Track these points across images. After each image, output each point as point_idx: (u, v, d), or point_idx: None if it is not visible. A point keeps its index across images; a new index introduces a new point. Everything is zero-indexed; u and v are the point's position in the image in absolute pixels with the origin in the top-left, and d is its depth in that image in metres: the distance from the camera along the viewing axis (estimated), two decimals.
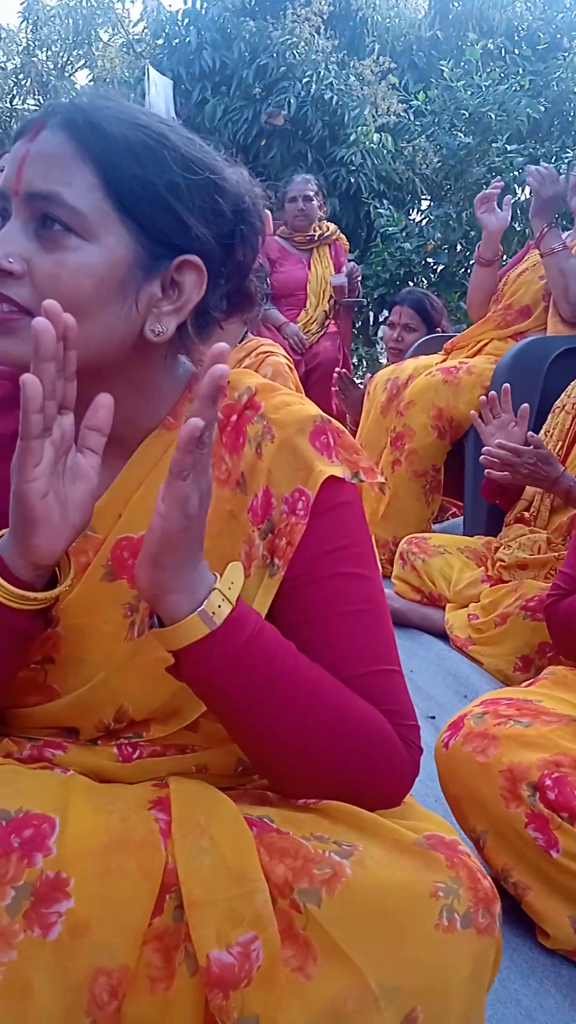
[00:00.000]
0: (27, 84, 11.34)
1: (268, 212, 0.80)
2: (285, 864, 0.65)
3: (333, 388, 3.29)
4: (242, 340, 2.61)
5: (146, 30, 8.53)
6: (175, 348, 0.76)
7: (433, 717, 1.75)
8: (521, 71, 6.69)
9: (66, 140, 0.69)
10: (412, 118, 6.78)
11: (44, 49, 11.11)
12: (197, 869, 0.63)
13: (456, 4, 7.77)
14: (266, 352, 2.59)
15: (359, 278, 4.43)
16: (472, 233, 6.09)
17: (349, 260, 4.48)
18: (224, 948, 0.61)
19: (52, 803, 0.66)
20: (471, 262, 4.11)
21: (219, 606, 0.67)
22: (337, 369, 3.38)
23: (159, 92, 5.09)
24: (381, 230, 6.36)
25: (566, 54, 7.01)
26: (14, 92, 11.43)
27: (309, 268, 4.35)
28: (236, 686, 0.69)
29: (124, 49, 9.69)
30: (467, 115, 6.13)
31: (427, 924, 0.65)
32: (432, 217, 6.48)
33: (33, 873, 0.61)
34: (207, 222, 0.73)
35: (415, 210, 7.35)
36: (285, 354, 2.70)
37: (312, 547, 0.75)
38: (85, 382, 0.74)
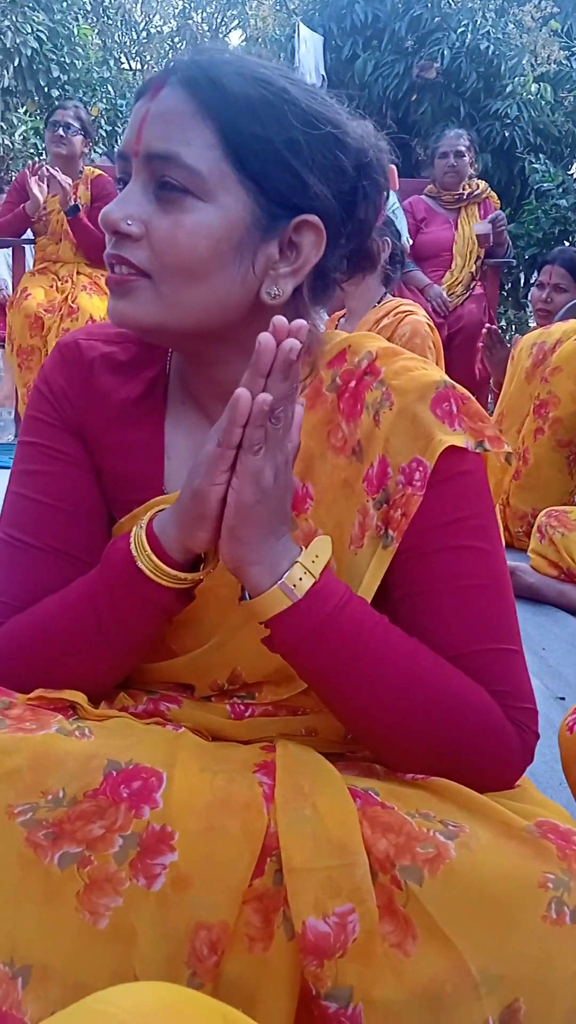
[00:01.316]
0: (181, 46, 11.47)
1: (393, 167, 0.77)
2: (388, 839, 0.64)
3: (480, 344, 3.20)
4: (381, 300, 2.57)
5: None
6: (291, 311, 0.75)
7: (563, 698, 1.69)
8: None
9: (186, 98, 0.68)
10: (574, 66, 6.39)
11: (199, 11, 11.20)
12: (298, 835, 0.63)
13: None
14: (405, 312, 2.54)
15: (505, 227, 4.24)
16: None
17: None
18: (320, 916, 0.61)
19: (161, 758, 0.67)
20: None
21: (300, 579, 0.67)
22: (487, 325, 3.27)
23: (309, 49, 5.02)
24: (536, 186, 6.05)
25: None
26: (169, 55, 11.59)
27: (456, 228, 4.22)
28: (322, 658, 0.69)
29: (277, 7, 9.61)
30: None
31: (534, 915, 0.62)
32: None
33: (140, 824, 0.63)
34: (327, 180, 0.71)
35: (574, 164, 6.96)
36: (426, 315, 2.63)
37: (428, 519, 0.72)
38: (201, 344, 0.74)
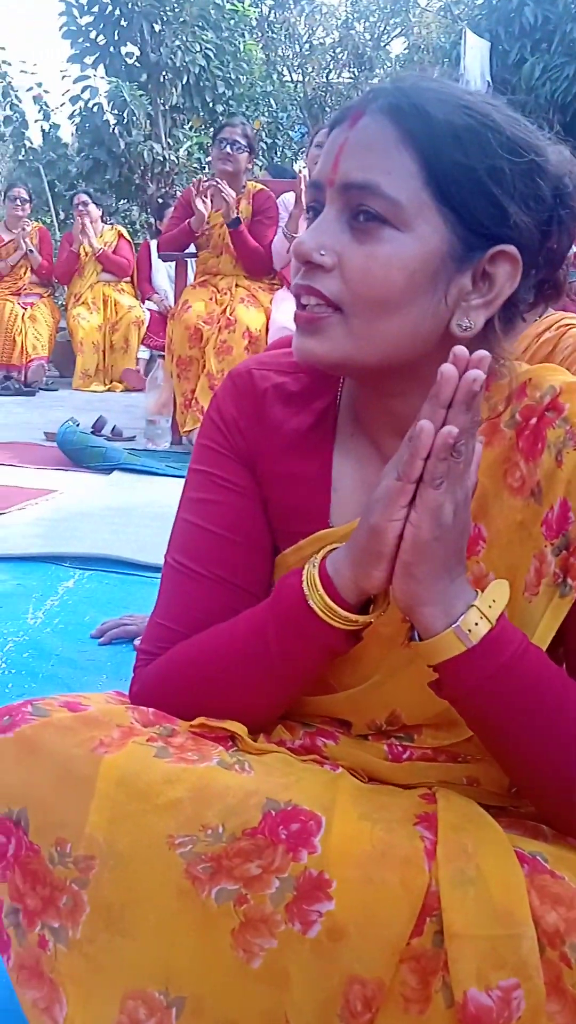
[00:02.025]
0: (343, 57, 11.56)
1: None
2: (558, 912, 0.60)
3: None
4: (542, 313, 2.47)
5: None
6: (480, 344, 0.72)
7: None
8: None
9: (387, 126, 0.66)
10: None
11: (362, 21, 11.24)
12: (460, 899, 0.61)
13: None
14: (568, 325, 2.43)
15: None
16: None
17: None
18: (483, 989, 0.58)
19: (320, 801, 0.66)
20: None
21: (476, 624, 0.64)
22: None
23: (475, 55, 4.94)
24: None
25: None
26: (330, 67, 11.71)
27: None
28: (492, 708, 0.66)
29: (441, 13, 9.51)
30: None
31: None
32: None
33: (297, 868, 0.62)
34: (527, 208, 0.67)
35: None
36: None
37: None
38: (387, 379, 0.72)
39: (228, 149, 3.85)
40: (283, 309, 3.78)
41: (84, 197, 6.22)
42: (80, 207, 6.16)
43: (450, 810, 0.68)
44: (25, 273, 6.26)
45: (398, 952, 0.60)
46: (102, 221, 6.37)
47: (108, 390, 6.14)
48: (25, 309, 6.14)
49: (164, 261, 5.03)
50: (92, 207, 6.20)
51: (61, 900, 0.65)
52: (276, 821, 0.64)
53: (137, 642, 1.66)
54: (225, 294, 3.93)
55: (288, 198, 4.06)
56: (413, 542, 0.63)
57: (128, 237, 6.53)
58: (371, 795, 0.71)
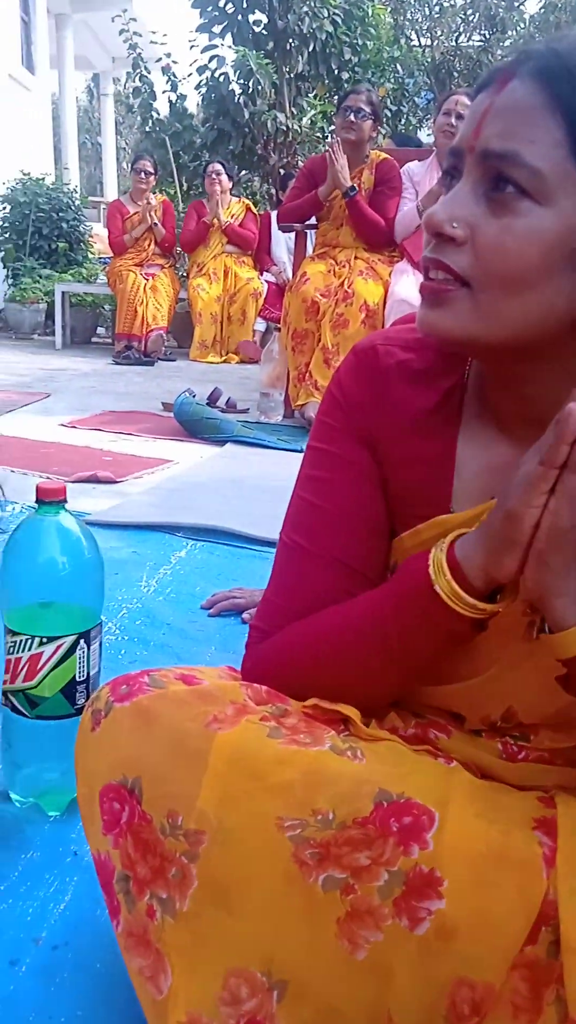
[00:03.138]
0: (474, 19, 11.16)
1: None
2: None
3: None
4: None
5: None
6: None
7: None
8: None
9: (536, 91, 0.61)
10: None
11: None
12: None
13: None
14: None
15: None
16: None
17: None
18: None
19: (433, 795, 0.64)
20: None
21: None
22: None
23: None
24: None
25: None
26: (460, 30, 11.34)
27: None
28: None
29: None
30: None
31: None
32: None
33: (408, 862, 0.61)
34: None
35: None
36: None
37: None
38: (515, 360, 0.69)
39: (352, 117, 3.78)
40: (403, 283, 3.71)
41: (218, 166, 6.26)
42: (213, 175, 6.20)
43: (570, 816, 0.65)
44: (149, 245, 6.38)
45: (510, 958, 0.58)
46: (230, 193, 6.40)
47: (224, 361, 6.21)
48: (147, 280, 6.25)
49: (284, 232, 5.01)
50: (224, 177, 6.23)
51: (170, 871, 0.65)
52: (388, 812, 0.62)
53: (246, 616, 1.68)
54: (344, 266, 3.88)
55: (413, 168, 3.96)
56: (550, 530, 0.61)
57: (254, 210, 6.55)
58: (487, 793, 0.69)
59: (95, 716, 0.72)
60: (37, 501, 1.01)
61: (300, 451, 3.15)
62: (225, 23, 7.35)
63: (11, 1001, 0.78)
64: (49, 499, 1.00)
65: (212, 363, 6.14)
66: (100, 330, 7.60)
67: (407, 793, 0.64)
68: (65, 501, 1.02)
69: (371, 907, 0.61)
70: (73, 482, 2.66)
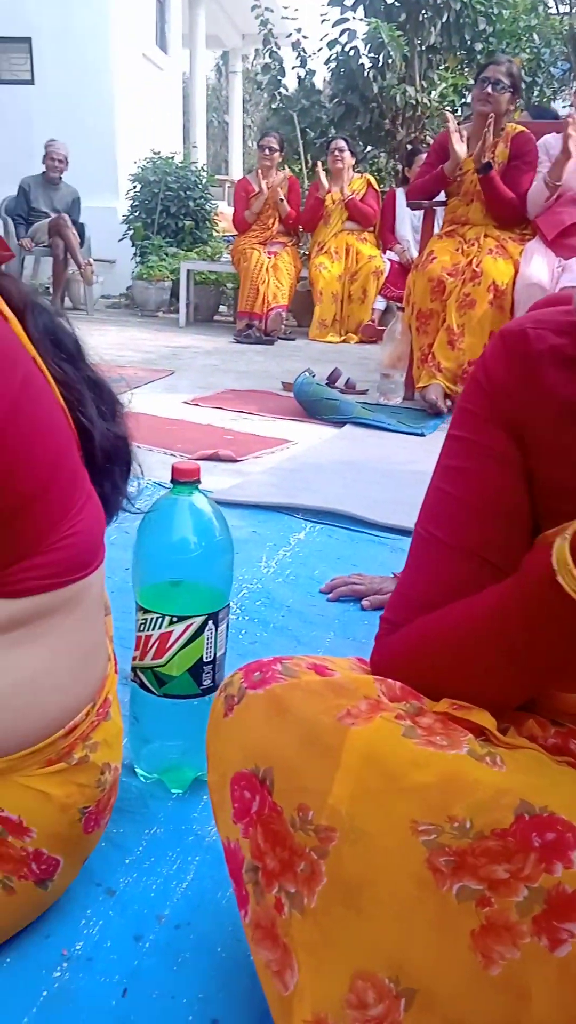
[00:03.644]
0: None
1: None
2: None
3: None
4: None
5: None
6: None
7: None
8: None
9: None
10: None
11: None
12: None
13: None
14: None
15: None
16: None
17: None
18: None
19: None
20: None
21: None
22: None
23: None
24: None
25: None
26: None
27: None
28: None
29: None
30: None
31: None
32: None
33: (550, 880, 0.57)
34: None
35: None
36: None
37: None
38: None
39: (489, 89, 3.65)
40: (535, 264, 3.57)
41: (340, 143, 6.23)
42: (336, 152, 6.17)
43: None
44: (274, 223, 6.38)
45: None
46: (352, 169, 6.34)
47: (343, 341, 6.16)
48: (269, 258, 6.27)
49: (412, 210, 4.90)
50: (347, 154, 6.19)
51: (299, 866, 0.64)
52: (529, 826, 0.59)
53: (366, 603, 1.66)
54: (472, 245, 3.77)
55: (550, 140, 3.79)
56: None
57: (376, 186, 6.45)
58: None
59: (228, 702, 0.71)
60: (172, 480, 1.01)
61: (421, 435, 3.12)
62: None
63: (136, 976, 0.79)
64: (184, 479, 1.00)
65: (331, 343, 6.11)
66: (222, 308, 7.68)
67: (550, 807, 0.60)
68: (199, 482, 1.02)
69: (508, 923, 0.58)
70: (196, 459, 2.69)
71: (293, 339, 6.28)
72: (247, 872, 0.67)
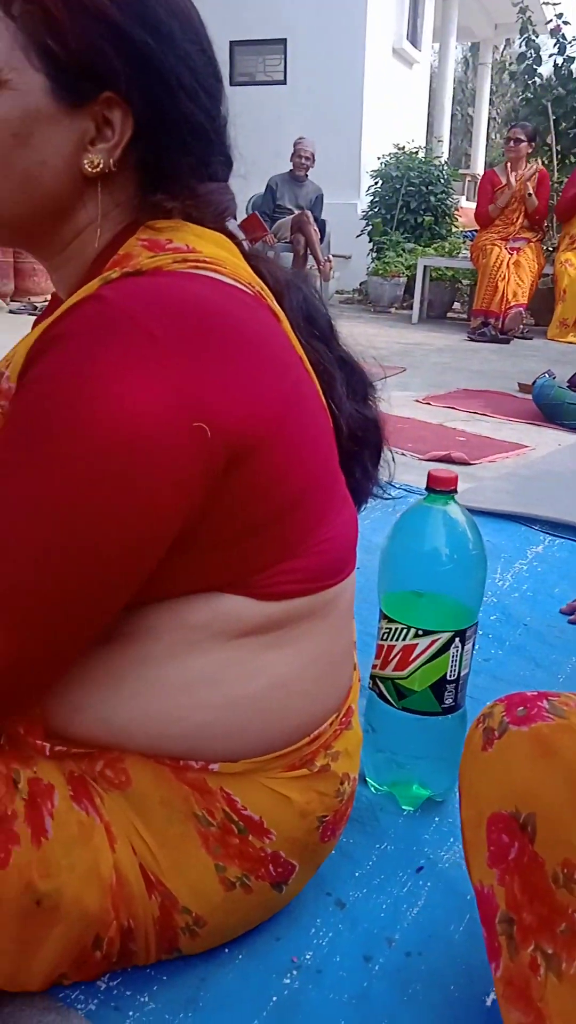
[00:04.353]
0: None
1: None
2: None
3: None
4: None
5: None
6: None
7: None
8: None
9: None
10: None
11: None
12: None
13: None
14: None
15: None
16: None
17: None
18: None
19: None
20: None
21: None
22: None
23: None
24: None
25: None
26: None
27: None
28: None
29: None
30: None
31: None
32: None
33: None
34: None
35: None
36: None
37: None
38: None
39: None
40: None
41: None
42: None
43: None
44: (518, 218, 6.15)
45: None
46: None
47: None
48: (511, 255, 6.05)
49: None
50: None
51: (559, 926, 0.59)
52: None
53: None
54: None
55: None
56: None
57: None
58: None
59: (487, 735, 0.67)
60: (428, 488, 0.98)
61: None
62: None
63: (365, 998, 0.77)
64: (441, 488, 0.96)
65: (572, 343, 5.80)
66: (456, 305, 7.53)
67: None
68: (455, 491, 0.97)
69: None
70: (427, 460, 2.64)
71: (530, 338, 6.03)
72: (500, 923, 0.62)
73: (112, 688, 0.70)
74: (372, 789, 1.05)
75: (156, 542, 0.63)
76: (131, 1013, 0.74)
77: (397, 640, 0.98)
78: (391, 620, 0.99)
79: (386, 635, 1.00)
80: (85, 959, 0.72)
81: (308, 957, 0.81)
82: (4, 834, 0.66)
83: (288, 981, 0.78)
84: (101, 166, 0.68)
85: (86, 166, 0.69)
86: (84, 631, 0.64)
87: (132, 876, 0.72)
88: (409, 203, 7.62)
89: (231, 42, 8.75)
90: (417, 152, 7.97)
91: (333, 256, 7.32)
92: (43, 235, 0.73)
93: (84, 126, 0.68)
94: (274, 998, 0.76)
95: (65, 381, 0.59)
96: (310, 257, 6.88)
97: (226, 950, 0.80)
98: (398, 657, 0.99)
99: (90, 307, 0.62)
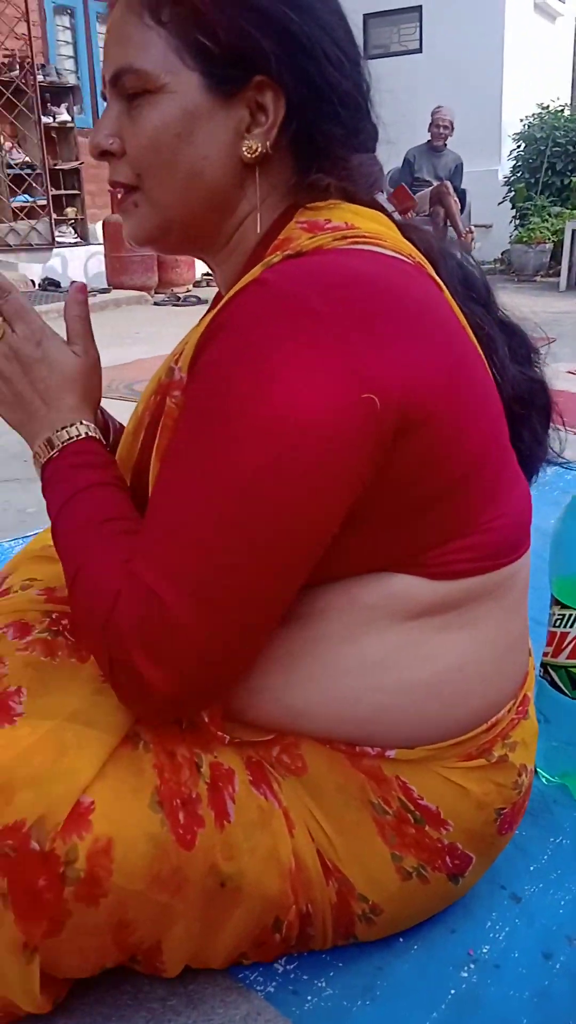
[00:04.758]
0: None
1: None
2: None
3: None
4: None
5: None
6: None
7: None
8: None
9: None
10: None
11: None
12: None
13: None
14: None
15: None
16: None
17: None
18: None
19: None
20: None
21: None
22: None
23: None
24: None
25: None
26: None
27: None
28: None
29: None
30: None
31: None
32: None
33: None
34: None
35: None
36: None
37: None
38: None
39: None
40: None
41: None
42: None
43: None
44: None
45: None
46: None
47: None
48: None
49: None
50: None
51: None
52: None
53: None
54: None
55: None
56: None
57: None
58: None
59: None
60: None
61: None
62: None
63: (545, 996, 0.74)
64: None
65: None
66: None
67: None
68: None
69: None
70: None
71: None
72: None
73: (288, 670, 0.70)
74: (543, 780, 1.01)
75: (332, 515, 0.62)
76: (309, 998, 0.74)
77: (572, 627, 0.94)
78: (565, 606, 0.95)
79: (559, 621, 0.95)
80: (265, 940, 0.73)
81: (485, 951, 0.79)
82: (190, 817, 0.67)
83: (466, 975, 0.77)
84: (259, 150, 0.70)
85: (245, 152, 0.70)
86: (271, 610, 0.65)
87: (310, 861, 0.72)
88: (555, 164, 7.28)
89: (364, 15, 8.60)
90: (562, 110, 7.59)
91: (474, 226, 7.10)
92: (210, 231, 0.74)
93: (239, 114, 0.70)
94: (452, 991, 0.75)
95: (236, 365, 0.60)
96: (449, 229, 6.71)
97: (400, 939, 0.79)
98: (573, 644, 0.94)
99: (253, 291, 0.62)
